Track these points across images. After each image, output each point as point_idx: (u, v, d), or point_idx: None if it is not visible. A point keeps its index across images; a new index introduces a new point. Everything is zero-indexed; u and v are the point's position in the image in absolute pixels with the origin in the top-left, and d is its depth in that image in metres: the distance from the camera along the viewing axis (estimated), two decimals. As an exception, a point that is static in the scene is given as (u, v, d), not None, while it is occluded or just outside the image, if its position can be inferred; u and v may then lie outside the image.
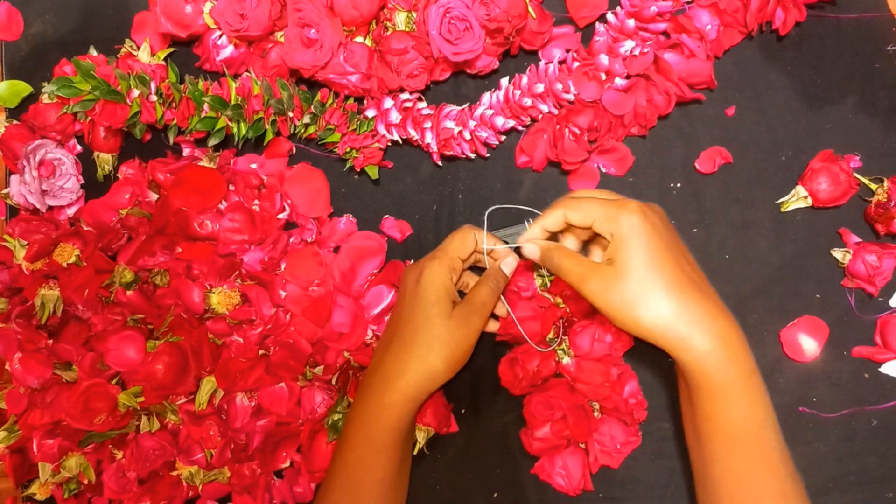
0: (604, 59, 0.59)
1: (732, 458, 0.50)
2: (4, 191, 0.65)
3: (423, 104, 0.63)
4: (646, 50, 0.59)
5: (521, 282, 0.63)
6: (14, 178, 0.63)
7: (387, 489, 0.58)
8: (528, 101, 0.61)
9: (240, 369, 0.63)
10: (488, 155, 0.65)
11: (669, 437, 0.65)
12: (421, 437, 0.65)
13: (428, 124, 0.62)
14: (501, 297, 0.62)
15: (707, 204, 0.65)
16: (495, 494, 0.66)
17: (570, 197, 0.55)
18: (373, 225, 0.67)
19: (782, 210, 0.64)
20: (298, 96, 0.61)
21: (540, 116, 0.63)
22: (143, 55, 0.62)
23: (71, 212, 0.65)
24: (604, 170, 0.65)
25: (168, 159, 0.65)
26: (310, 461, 0.65)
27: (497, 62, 0.62)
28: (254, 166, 0.66)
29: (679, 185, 0.65)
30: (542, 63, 0.62)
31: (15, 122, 0.65)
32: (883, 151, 0.63)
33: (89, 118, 0.61)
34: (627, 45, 0.59)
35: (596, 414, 0.64)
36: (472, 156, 0.64)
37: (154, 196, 0.65)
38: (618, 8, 0.60)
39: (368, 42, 0.60)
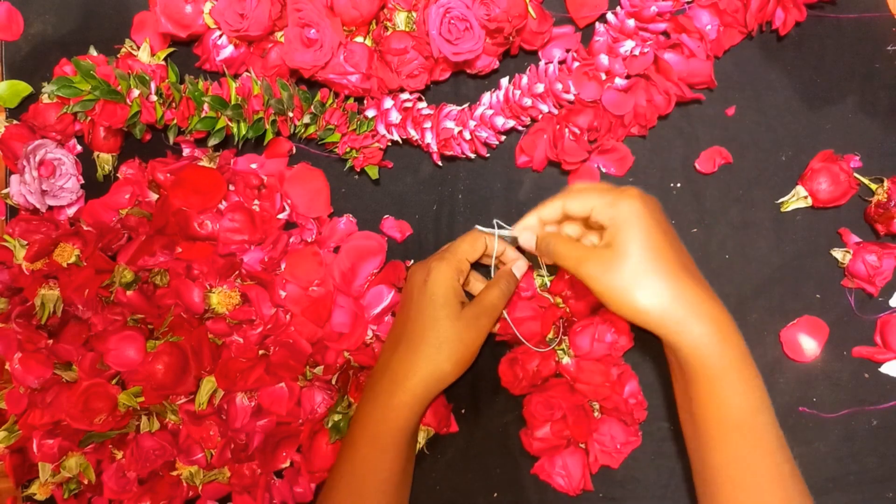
0: (604, 59, 0.59)
1: (731, 443, 0.50)
2: (4, 191, 0.65)
3: (423, 104, 0.63)
4: (646, 50, 0.59)
5: (521, 282, 0.63)
6: (14, 178, 0.63)
7: (392, 489, 0.58)
8: (528, 101, 0.61)
9: (240, 369, 0.63)
10: (488, 155, 0.65)
11: (669, 437, 0.65)
12: (421, 437, 0.65)
13: (428, 124, 0.62)
14: None
15: (707, 204, 0.65)
16: (495, 494, 0.66)
17: (568, 189, 0.56)
18: (373, 225, 0.67)
19: (782, 210, 0.64)
20: (298, 96, 0.61)
21: (540, 116, 0.63)
22: (143, 55, 0.62)
23: (71, 212, 0.65)
24: (604, 170, 0.65)
25: (168, 159, 0.65)
26: (310, 461, 0.65)
27: (497, 62, 0.62)
28: (254, 166, 0.66)
29: (679, 185, 0.65)
30: (542, 63, 0.62)
31: (15, 122, 0.65)
32: (883, 151, 0.63)
33: (89, 118, 0.61)
34: (627, 45, 0.59)
35: (596, 414, 0.64)
36: (472, 156, 0.64)
37: (154, 196, 0.65)
38: (618, 8, 0.60)
39: (368, 42, 0.60)
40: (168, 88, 0.60)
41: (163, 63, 0.62)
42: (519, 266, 0.62)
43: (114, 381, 0.63)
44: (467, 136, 0.63)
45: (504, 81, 0.63)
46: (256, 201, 0.64)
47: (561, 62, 0.62)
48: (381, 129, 0.62)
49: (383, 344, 0.63)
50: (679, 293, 0.49)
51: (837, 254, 0.63)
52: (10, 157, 0.64)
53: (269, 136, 0.63)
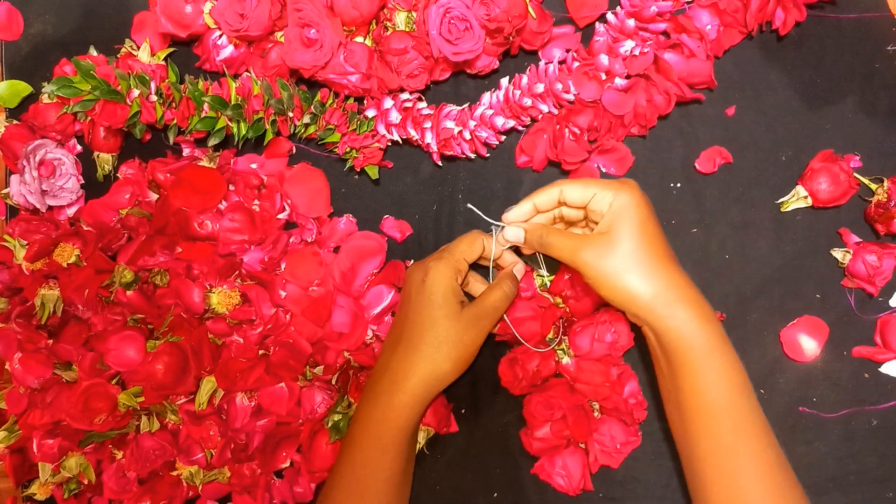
0: (604, 59, 0.59)
1: (716, 428, 0.52)
2: (4, 191, 0.65)
3: (423, 104, 0.63)
4: (646, 50, 0.59)
5: (521, 282, 0.63)
6: (14, 178, 0.63)
7: (393, 489, 0.58)
8: (528, 101, 0.61)
9: (240, 369, 0.63)
10: (488, 155, 0.65)
11: (669, 437, 0.65)
12: (421, 437, 0.65)
13: (428, 124, 0.62)
14: None
15: (707, 204, 0.65)
16: (495, 494, 0.66)
17: (569, 181, 0.58)
18: (373, 225, 0.67)
19: (782, 210, 0.64)
20: (298, 96, 0.61)
21: (540, 116, 0.63)
22: (143, 55, 0.62)
23: (71, 212, 0.65)
24: (604, 170, 0.65)
25: (168, 159, 0.65)
26: (310, 461, 0.65)
27: (497, 62, 0.62)
28: (254, 166, 0.66)
29: (679, 185, 0.65)
30: (542, 63, 0.62)
31: (15, 122, 0.65)
32: (883, 151, 0.63)
33: (89, 118, 0.61)
34: (627, 45, 0.59)
35: (596, 414, 0.64)
36: (472, 156, 0.64)
37: (154, 196, 0.65)
38: (618, 8, 0.60)
39: (368, 42, 0.60)
40: (168, 88, 0.60)
41: (163, 63, 0.62)
42: (518, 269, 0.63)
43: (114, 381, 0.63)
44: (467, 136, 0.63)
45: (504, 81, 0.63)
46: (256, 201, 0.64)
47: (561, 62, 0.62)
48: (381, 129, 0.62)
49: (383, 344, 0.63)
50: (667, 280, 0.52)
51: (837, 254, 0.63)
52: (10, 157, 0.64)
53: (269, 136, 0.63)
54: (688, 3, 0.60)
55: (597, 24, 0.61)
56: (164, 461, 0.64)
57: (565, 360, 0.64)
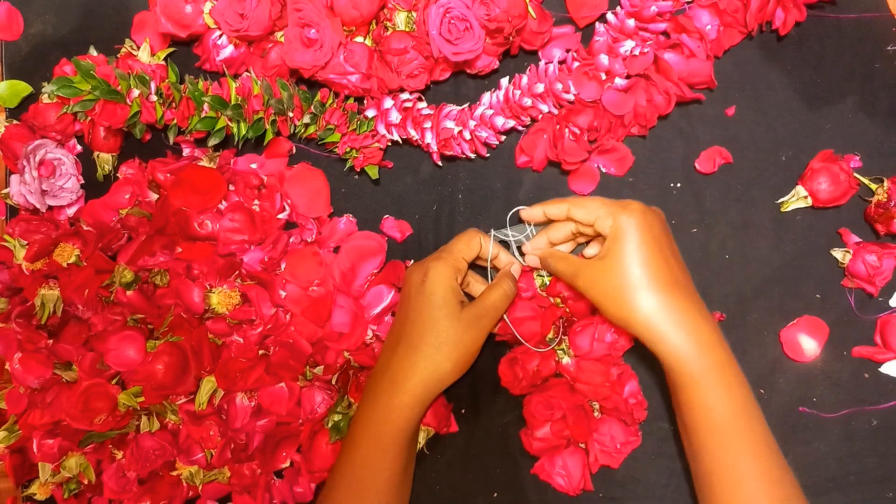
0: (604, 59, 0.59)
1: (717, 447, 0.52)
2: (4, 191, 0.65)
3: (423, 104, 0.63)
4: (646, 50, 0.59)
5: (521, 282, 0.63)
6: (14, 178, 0.63)
7: (393, 489, 0.58)
8: (528, 101, 0.61)
9: (240, 369, 0.63)
10: (488, 155, 0.65)
11: (669, 437, 0.65)
12: (421, 437, 0.65)
13: (428, 124, 0.62)
14: None
15: (707, 204, 0.65)
16: (495, 494, 0.66)
17: (575, 197, 0.60)
18: (373, 225, 0.67)
19: (782, 210, 0.64)
20: (298, 96, 0.61)
21: (540, 116, 0.63)
22: (143, 55, 0.62)
23: (71, 212, 0.65)
24: (604, 170, 0.65)
25: (168, 159, 0.65)
26: (310, 461, 0.65)
27: (497, 62, 0.62)
28: (254, 166, 0.66)
29: (679, 185, 0.65)
30: (542, 63, 0.62)
31: (15, 122, 0.65)
32: (883, 151, 0.63)
33: (89, 118, 0.61)
34: (627, 45, 0.59)
35: (596, 414, 0.64)
36: (472, 156, 0.64)
37: (154, 196, 0.65)
38: (618, 8, 0.60)
39: (368, 42, 0.60)
40: (168, 88, 0.60)
41: (163, 63, 0.62)
42: (515, 268, 0.63)
43: (114, 381, 0.63)
44: (467, 136, 0.63)
45: (504, 81, 0.63)
46: (256, 201, 0.64)
47: (561, 62, 0.62)
48: (381, 129, 0.62)
49: (383, 344, 0.63)
50: (662, 305, 0.52)
51: (837, 254, 0.63)
52: (10, 157, 0.64)
53: (269, 136, 0.63)
54: (688, 3, 0.60)
55: (597, 24, 0.61)
56: (164, 461, 0.64)
57: (565, 359, 0.64)
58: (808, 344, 0.64)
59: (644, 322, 0.52)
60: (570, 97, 0.60)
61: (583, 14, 0.63)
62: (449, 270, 0.59)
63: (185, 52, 0.64)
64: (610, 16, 0.60)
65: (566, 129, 0.62)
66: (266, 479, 0.65)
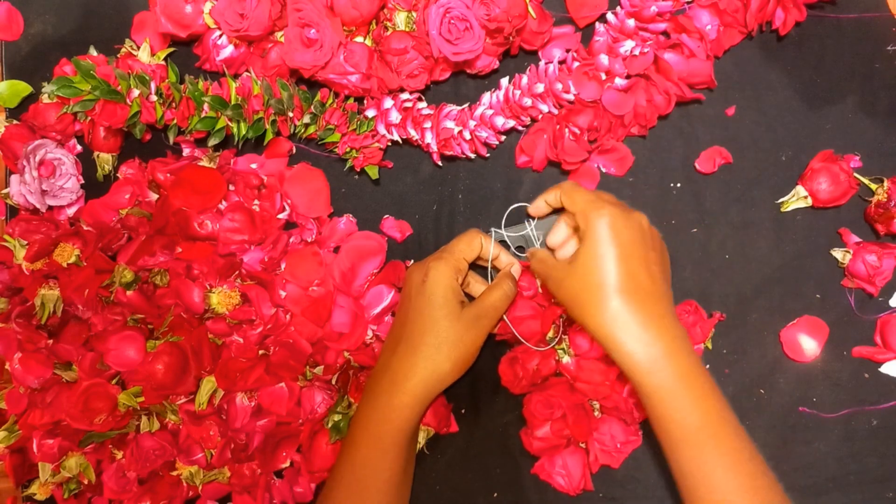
0: (604, 59, 0.59)
1: (679, 457, 0.52)
2: (4, 191, 0.65)
3: (423, 104, 0.63)
4: (646, 50, 0.59)
5: (522, 281, 0.63)
6: (14, 178, 0.63)
7: (393, 489, 0.58)
8: (528, 101, 0.61)
9: (240, 369, 0.63)
10: (488, 155, 0.65)
11: (669, 437, 0.65)
12: (421, 437, 0.65)
13: (428, 124, 0.62)
14: None
15: (707, 204, 0.65)
16: (495, 494, 0.66)
17: (573, 184, 0.58)
18: (373, 225, 0.67)
19: (782, 210, 0.64)
20: (298, 96, 0.61)
21: (540, 116, 0.63)
22: (143, 55, 0.62)
23: (71, 212, 0.65)
24: (604, 170, 0.65)
25: (168, 159, 0.65)
26: (310, 461, 0.65)
27: (497, 62, 0.62)
28: (254, 166, 0.66)
29: (679, 185, 0.65)
30: (542, 63, 0.62)
31: (15, 122, 0.65)
32: (883, 151, 0.63)
33: (89, 118, 0.61)
34: (627, 45, 0.59)
35: (596, 413, 0.64)
36: (472, 156, 0.64)
37: (154, 196, 0.65)
38: (618, 8, 0.60)
39: (368, 42, 0.60)
40: (168, 88, 0.60)
41: (163, 63, 0.62)
42: (515, 269, 0.63)
43: (114, 381, 0.63)
44: (467, 136, 0.63)
45: (504, 81, 0.63)
46: (256, 201, 0.64)
47: (561, 62, 0.62)
48: (381, 129, 0.62)
49: (383, 344, 0.63)
50: (618, 314, 0.51)
51: (837, 254, 0.63)
52: (10, 157, 0.64)
53: (269, 136, 0.63)
54: (688, 3, 0.60)
55: (597, 24, 0.61)
56: (164, 461, 0.64)
57: (565, 359, 0.64)
58: (808, 344, 0.64)
59: (601, 329, 0.52)
60: (570, 97, 0.60)
61: (583, 14, 0.63)
62: (450, 270, 0.59)
63: (185, 52, 0.64)
64: (610, 16, 0.60)
65: (566, 129, 0.62)
66: (266, 479, 0.65)
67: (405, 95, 0.62)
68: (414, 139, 0.63)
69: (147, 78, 0.59)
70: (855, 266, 0.62)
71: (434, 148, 0.63)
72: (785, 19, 0.60)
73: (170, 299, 0.63)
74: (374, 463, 0.58)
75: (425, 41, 0.58)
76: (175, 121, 0.61)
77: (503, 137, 0.65)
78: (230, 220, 0.62)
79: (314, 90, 0.62)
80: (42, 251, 0.62)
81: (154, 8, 0.61)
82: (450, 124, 0.62)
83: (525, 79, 0.62)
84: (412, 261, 0.67)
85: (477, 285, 0.64)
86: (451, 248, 0.61)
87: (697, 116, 0.65)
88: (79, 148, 0.66)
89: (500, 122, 0.62)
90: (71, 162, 0.64)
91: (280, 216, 0.64)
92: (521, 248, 0.65)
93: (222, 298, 0.62)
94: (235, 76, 0.62)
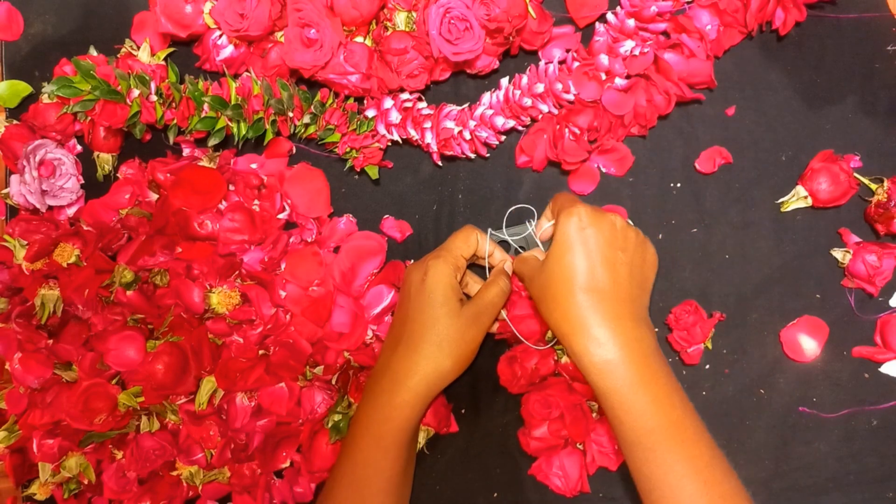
0: (604, 59, 0.59)
1: (635, 458, 0.51)
2: (4, 191, 0.65)
3: (423, 104, 0.63)
4: (646, 50, 0.59)
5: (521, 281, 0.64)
6: (14, 178, 0.63)
7: (394, 488, 0.58)
8: (528, 101, 0.61)
9: (240, 369, 0.63)
10: (488, 155, 0.65)
11: (669, 437, 0.65)
12: (421, 437, 0.65)
13: (428, 124, 0.62)
14: None
15: (707, 204, 0.65)
16: (495, 494, 0.66)
17: (563, 192, 0.61)
18: (373, 225, 0.67)
19: (782, 210, 0.64)
20: (298, 96, 0.61)
21: (540, 116, 0.63)
22: (143, 55, 0.62)
23: (71, 212, 0.65)
24: (604, 170, 0.65)
25: (168, 159, 0.65)
26: (310, 461, 0.65)
27: (497, 62, 0.62)
28: (254, 166, 0.66)
29: (679, 185, 0.65)
30: (542, 63, 0.62)
31: (15, 122, 0.65)
32: (883, 151, 0.63)
33: (89, 118, 0.61)
34: (627, 45, 0.59)
35: (594, 415, 0.64)
36: (472, 156, 0.64)
37: (154, 196, 0.65)
38: (618, 8, 0.60)
39: (368, 42, 0.60)
40: (168, 88, 0.60)
41: (163, 63, 0.62)
42: (508, 265, 0.63)
43: (114, 381, 0.63)
44: (467, 136, 0.63)
45: (504, 81, 0.63)
46: (256, 201, 0.64)
47: (561, 62, 0.62)
48: (381, 129, 0.62)
49: (383, 344, 0.63)
50: (574, 313, 0.51)
51: (837, 254, 0.63)
52: (10, 157, 0.64)
53: (269, 136, 0.63)
54: (688, 3, 0.60)
55: (597, 24, 0.61)
56: (164, 461, 0.64)
57: (564, 358, 0.64)
58: (808, 344, 0.64)
59: (558, 325, 0.52)
60: (570, 97, 0.60)
61: (583, 14, 0.63)
62: (449, 269, 0.59)
63: (185, 52, 0.64)
64: (610, 16, 0.60)
65: (566, 129, 0.62)
66: (266, 479, 0.65)
67: (405, 95, 0.62)
68: (414, 139, 0.63)
69: (147, 78, 0.59)
70: (855, 266, 0.62)
71: (434, 148, 0.63)
72: (785, 19, 0.60)
73: (170, 299, 0.63)
74: (375, 462, 0.58)
75: (425, 41, 0.58)
76: (175, 121, 0.61)
77: (503, 137, 0.65)
78: (230, 220, 0.62)
79: (314, 90, 0.62)
80: (42, 251, 0.62)
81: (154, 8, 0.61)
82: (450, 124, 0.62)
83: (525, 79, 0.62)
84: (412, 261, 0.67)
85: (473, 283, 0.64)
86: (449, 247, 0.61)
87: (697, 116, 0.65)
88: (79, 148, 0.66)
89: (500, 122, 0.62)
90: (71, 162, 0.64)
91: (280, 216, 0.64)
92: (522, 248, 0.65)
93: (222, 298, 0.62)
94: (235, 76, 0.62)
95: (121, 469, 0.65)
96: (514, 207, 0.64)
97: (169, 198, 0.62)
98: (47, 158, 0.63)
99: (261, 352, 0.64)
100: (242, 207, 0.63)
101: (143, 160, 0.66)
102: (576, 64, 0.61)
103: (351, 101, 0.63)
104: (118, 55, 0.63)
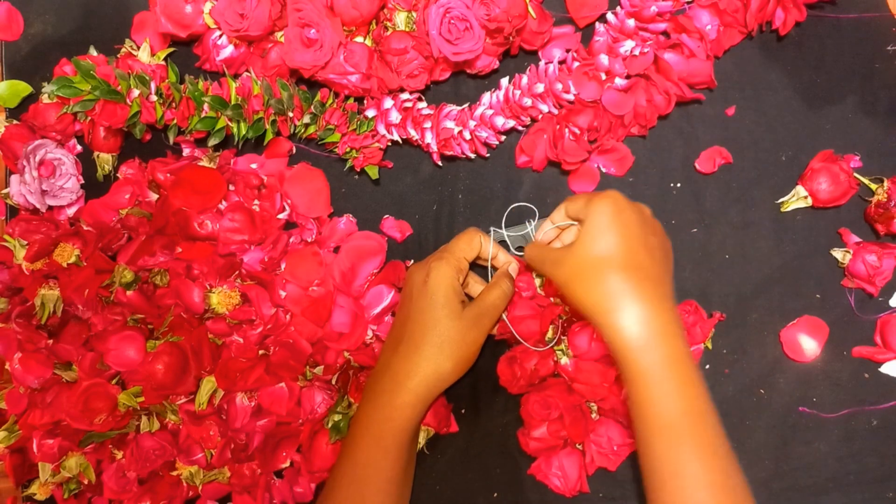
0: (604, 59, 0.59)
1: (659, 444, 0.50)
2: (4, 191, 0.65)
3: (423, 104, 0.63)
4: (646, 50, 0.59)
5: (520, 282, 0.63)
6: (14, 178, 0.63)
7: (395, 489, 0.58)
8: (528, 101, 0.61)
9: (240, 369, 0.63)
10: (488, 155, 0.65)
11: (669, 437, 0.65)
12: (421, 437, 0.65)
13: (428, 124, 0.62)
14: None
15: (707, 204, 0.65)
16: (495, 494, 0.66)
17: (571, 196, 0.60)
18: (373, 225, 0.67)
19: (782, 210, 0.64)
20: (298, 96, 0.61)
21: (540, 116, 0.63)
22: (143, 55, 0.62)
23: (71, 212, 0.65)
24: (604, 170, 0.65)
25: (168, 159, 0.65)
26: (310, 461, 0.65)
27: (497, 62, 0.62)
28: (254, 166, 0.66)
29: (679, 185, 0.65)
30: (542, 63, 0.62)
31: (15, 122, 0.65)
32: (883, 151, 0.63)
33: (89, 118, 0.61)
34: (627, 45, 0.59)
35: (593, 415, 0.64)
36: (472, 156, 0.64)
37: (154, 196, 0.65)
38: (618, 8, 0.60)
39: (368, 42, 0.60)
40: (168, 88, 0.60)
41: (163, 63, 0.62)
42: (513, 267, 0.63)
43: (114, 381, 0.63)
44: (467, 136, 0.63)
45: (504, 81, 0.63)
46: (256, 201, 0.64)
47: (561, 62, 0.62)
48: (381, 129, 0.62)
49: (383, 344, 0.63)
50: (615, 289, 0.50)
51: (837, 254, 0.63)
52: (10, 157, 0.64)
53: (269, 136, 0.63)
54: (688, 3, 0.60)
55: (597, 24, 0.61)
56: (164, 461, 0.64)
57: (564, 359, 0.64)
58: (808, 344, 0.64)
59: (594, 305, 0.51)
60: (570, 97, 0.60)
61: (583, 14, 0.63)
62: (451, 270, 0.59)
63: (185, 52, 0.64)
64: (610, 16, 0.60)
65: (566, 129, 0.62)
66: (266, 479, 0.65)
67: (405, 95, 0.62)
68: (414, 139, 0.63)
69: (147, 78, 0.59)
70: (855, 266, 0.62)
71: (434, 148, 0.63)
72: (785, 19, 0.60)
73: (170, 299, 0.63)
74: (376, 462, 0.58)
75: (425, 41, 0.58)
76: (175, 121, 0.61)
77: (503, 137, 0.65)
78: (230, 220, 0.62)
79: (314, 90, 0.62)
80: (42, 251, 0.62)
81: (154, 8, 0.61)
82: (450, 124, 0.62)
83: (525, 79, 0.62)
84: (412, 261, 0.67)
85: (475, 285, 0.64)
86: (452, 248, 0.61)
87: (697, 116, 0.65)
88: (79, 148, 0.66)
89: (500, 122, 0.62)
90: (71, 162, 0.64)
91: (280, 216, 0.64)
92: (521, 249, 0.65)
93: (222, 298, 0.62)
94: (235, 76, 0.62)
95: (121, 469, 0.65)
96: (513, 206, 0.65)
97: (169, 198, 0.62)
98: (47, 158, 0.63)
99: (261, 352, 0.64)
100: (242, 207, 0.63)
101: (143, 160, 0.66)
102: (576, 64, 0.61)
103: (351, 101, 0.63)
104: (118, 55, 0.63)
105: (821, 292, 0.65)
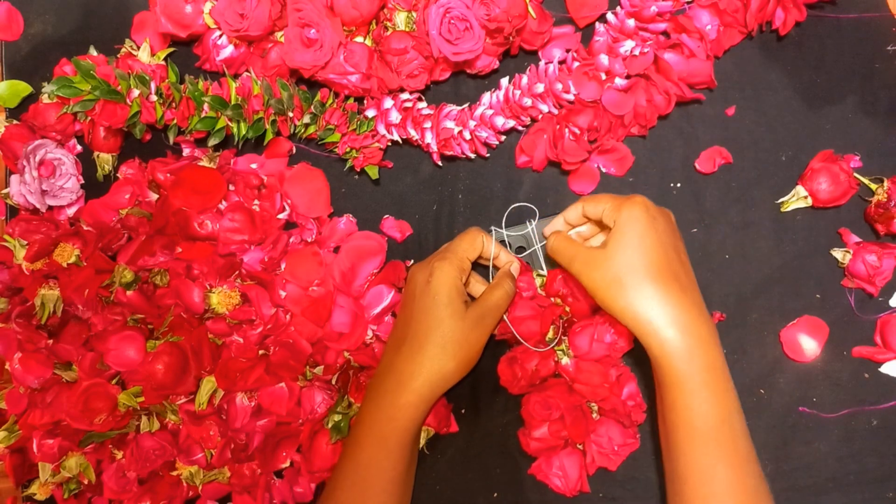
0: (604, 59, 0.59)
1: (694, 451, 0.51)
2: (4, 191, 0.65)
3: (423, 104, 0.63)
4: (646, 50, 0.59)
5: (521, 282, 0.63)
6: (14, 178, 0.63)
7: (397, 489, 0.58)
8: (528, 101, 0.61)
9: (240, 369, 0.63)
10: (488, 155, 0.65)
11: (669, 437, 0.65)
12: (421, 437, 0.65)
13: (428, 124, 0.62)
14: None
15: (707, 204, 0.65)
16: (495, 494, 0.66)
17: (588, 195, 0.61)
18: (373, 225, 0.67)
19: (782, 210, 0.64)
20: (298, 96, 0.61)
21: (540, 116, 0.63)
22: (143, 55, 0.62)
23: (71, 212, 0.65)
24: (604, 170, 0.65)
25: (168, 159, 0.65)
26: (310, 461, 0.65)
27: (497, 62, 0.62)
28: (254, 166, 0.66)
29: (679, 185, 0.65)
30: (542, 63, 0.62)
31: (15, 122, 0.65)
32: (883, 151, 0.63)
33: (89, 118, 0.61)
34: (627, 45, 0.59)
35: (594, 415, 0.64)
36: (472, 156, 0.64)
37: (154, 196, 0.65)
38: (618, 8, 0.60)
39: (368, 42, 0.60)
40: (168, 88, 0.60)
41: (163, 63, 0.62)
42: (514, 267, 0.63)
43: (114, 381, 0.63)
44: (467, 136, 0.63)
45: (504, 81, 0.63)
46: (256, 201, 0.64)
47: (561, 62, 0.62)
48: (381, 129, 0.62)
49: (385, 344, 0.63)
50: (656, 297, 0.51)
51: (837, 254, 0.63)
52: (10, 157, 0.64)
53: (269, 136, 0.63)
54: (688, 3, 0.60)
55: (597, 24, 0.61)
56: (164, 461, 0.64)
57: (564, 360, 0.64)
58: (808, 344, 0.64)
59: (633, 314, 0.51)
60: (570, 97, 0.60)
61: (583, 14, 0.63)
62: (454, 271, 0.59)
63: (185, 52, 0.64)
64: (610, 16, 0.60)
65: (566, 129, 0.62)
66: (266, 479, 0.65)
67: (405, 95, 0.62)
68: (414, 139, 0.63)
69: (147, 78, 0.59)
70: (855, 266, 0.62)
71: (434, 148, 0.63)
72: (785, 19, 0.60)
73: (170, 299, 0.63)
74: (379, 463, 0.58)
75: (425, 41, 0.58)
76: (175, 121, 0.61)
77: (503, 137, 0.65)
78: (230, 220, 0.62)
79: (314, 90, 0.62)
80: (42, 251, 0.62)
81: (154, 8, 0.61)
82: (450, 124, 0.62)
83: (525, 79, 0.62)
84: (412, 261, 0.67)
85: (477, 285, 0.64)
86: (454, 248, 0.61)
87: (697, 116, 0.65)
88: (79, 148, 0.66)
89: (500, 122, 0.62)
90: (71, 162, 0.64)
91: (280, 216, 0.64)
92: (521, 248, 0.65)
93: (222, 298, 0.62)
94: (235, 76, 0.62)
95: (121, 469, 0.65)
96: (513, 206, 0.65)
97: (169, 198, 0.62)
98: (47, 158, 0.63)
99: (261, 352, 0.64)
100: (242, 207, 0.63)
101: (143, 160, 0.66)
102: (576, 64, 0.61)
103: (351, 101, 0.63)
104: (118, 55, 0.63)
105: (821, 292, 0.65)
